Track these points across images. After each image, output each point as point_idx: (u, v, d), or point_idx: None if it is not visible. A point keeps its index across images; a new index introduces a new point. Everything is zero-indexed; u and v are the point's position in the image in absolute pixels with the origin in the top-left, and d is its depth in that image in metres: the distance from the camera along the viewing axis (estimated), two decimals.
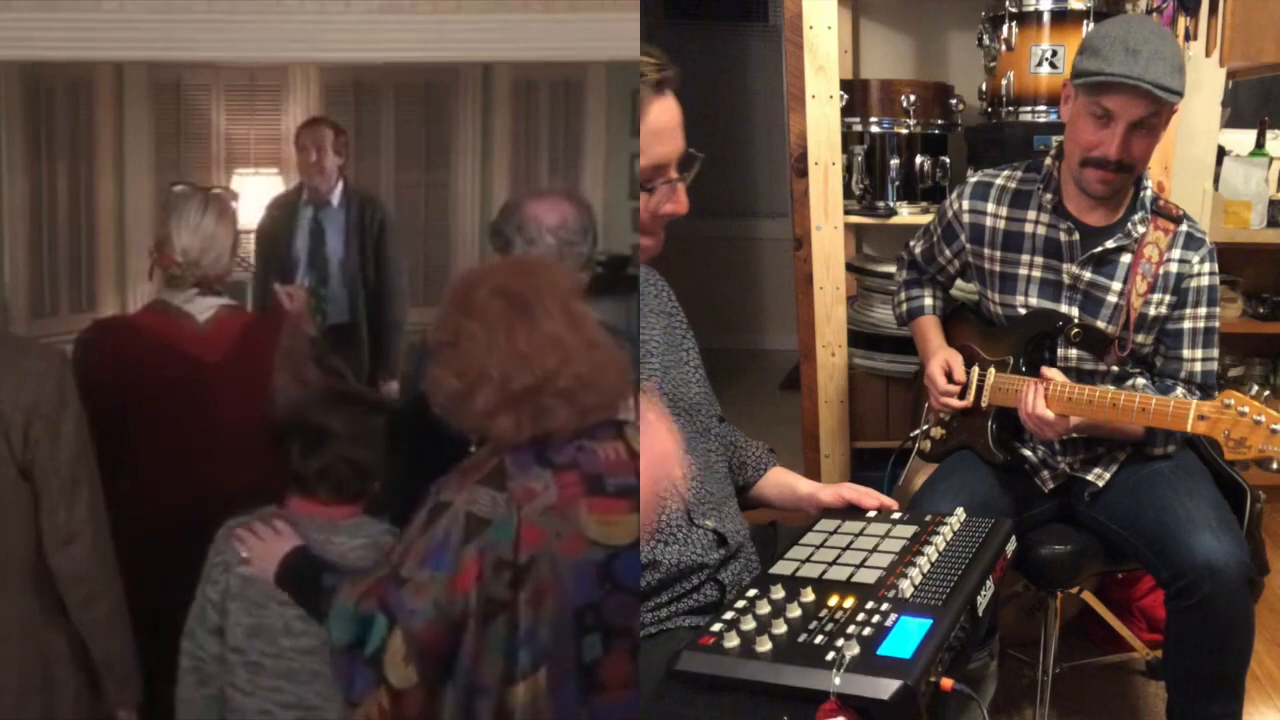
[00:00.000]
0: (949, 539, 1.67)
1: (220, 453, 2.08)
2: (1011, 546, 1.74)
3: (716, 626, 1.48)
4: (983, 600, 1.56)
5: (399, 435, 1.76)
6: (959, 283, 2.53)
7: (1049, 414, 2.07)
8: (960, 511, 1.78)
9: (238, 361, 2.10)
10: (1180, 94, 2.03)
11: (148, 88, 4.24)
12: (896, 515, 1.78)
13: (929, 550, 1.62)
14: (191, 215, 2.09)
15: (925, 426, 2.48)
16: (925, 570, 1.57)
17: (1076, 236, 2.20)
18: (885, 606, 1.47)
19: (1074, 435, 2.22)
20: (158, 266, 2.11)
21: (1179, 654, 2.14)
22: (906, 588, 1.51)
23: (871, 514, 1.79)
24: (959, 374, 2.32)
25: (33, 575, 1.77)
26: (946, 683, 1.35)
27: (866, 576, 1.57)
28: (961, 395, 2.32)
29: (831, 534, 1.73)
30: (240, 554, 1.68)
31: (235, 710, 1.70)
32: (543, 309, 1.45)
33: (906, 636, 1.40)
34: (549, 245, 2.03)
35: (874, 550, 1.65)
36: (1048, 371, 2.12)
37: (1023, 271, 2.26)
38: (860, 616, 1.46)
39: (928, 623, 1.42)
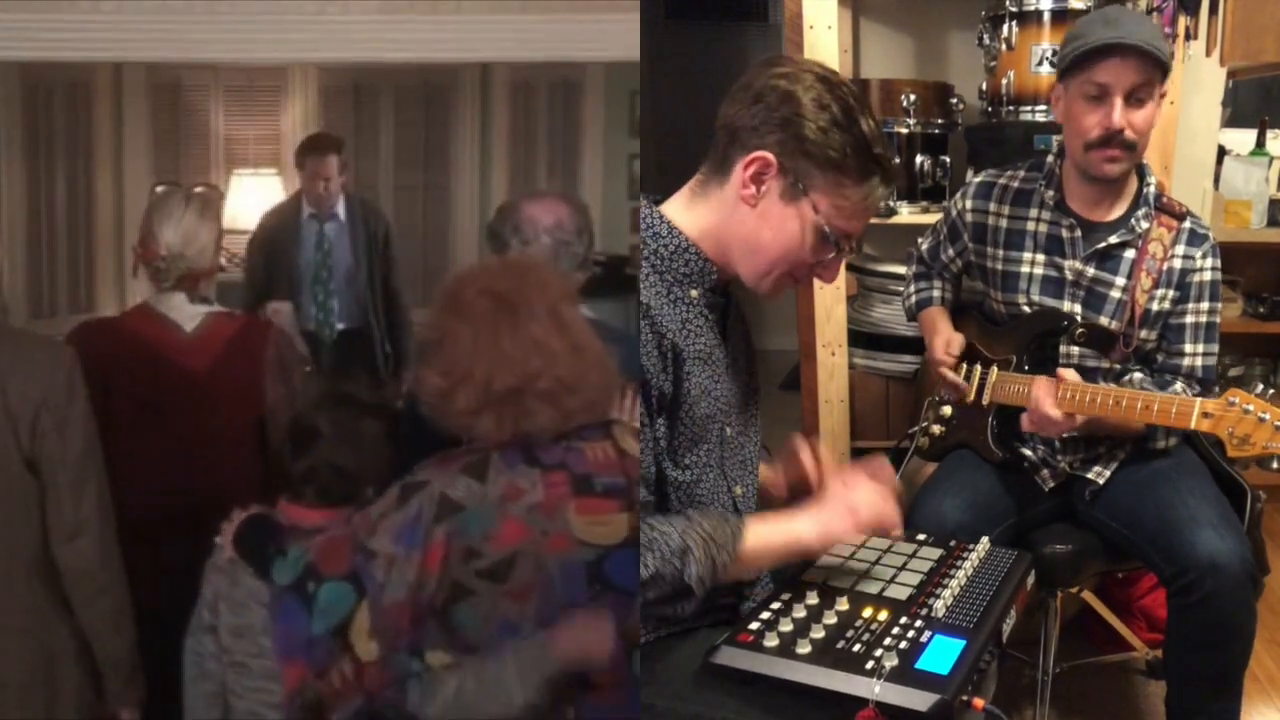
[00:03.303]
0: (975, 565, 1.73)
1: (207, 458, 2.09)
2: (1031, 580, 1.79)
3: (754, 625, 1.52)
4: (1006, 628, 1.61)
5: (397, 436, 1.75)
6: (965, 282, 2.53)
7: (1056, 414, 2.06)
8: (985, 540, 1.82)
9: (226, 368, 2.10)
10: (1167, 60, 2.04)
11: (146, 88, 4.23)
12: (921, 537, 1.83)
13: (958, 574, 1.68)
14: (174, 210, 2.10)
15: (924, 423, 2.48)
16: (955, 593, 1.62)
17: (1079, 233, 2.20)
18: (919, 623, 1.53)
19: (1073, 433, 2.21)
20: (141, 262, 2.11)
21: (1180, 651, 2.14)
22: (939, 607, 1.56)
23: (896, 532, 1.81)
24: (954, 348, 2.35)
25: (39, 570, 1.77)
26: (978, 702, 1.40)
27: (898, 593, 1.62)
28: (966, 379, 2.33)
29: (859, 547, 1.77)
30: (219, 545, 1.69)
31: (233, 712, 1.70)
32: (528, 310, 1.45)
33: (943, 654, 1.45)
34: (545, 246, 2.04)
35: (902, 568, 1.71)
36: (1064, 373, 2.11)
37: (1025, 269, 2.27)
38: (895, 630, 1.51)
39: (961, 643, 1.48)
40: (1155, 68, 2.03)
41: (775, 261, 1.56)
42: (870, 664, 1.42)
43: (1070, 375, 2.10)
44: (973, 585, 1.66)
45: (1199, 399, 1.96)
